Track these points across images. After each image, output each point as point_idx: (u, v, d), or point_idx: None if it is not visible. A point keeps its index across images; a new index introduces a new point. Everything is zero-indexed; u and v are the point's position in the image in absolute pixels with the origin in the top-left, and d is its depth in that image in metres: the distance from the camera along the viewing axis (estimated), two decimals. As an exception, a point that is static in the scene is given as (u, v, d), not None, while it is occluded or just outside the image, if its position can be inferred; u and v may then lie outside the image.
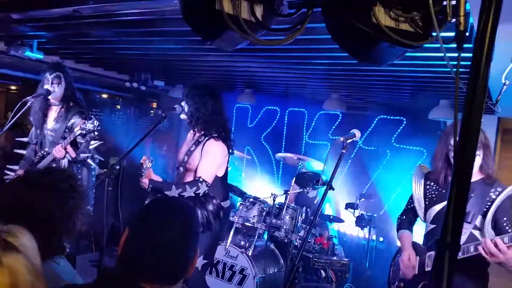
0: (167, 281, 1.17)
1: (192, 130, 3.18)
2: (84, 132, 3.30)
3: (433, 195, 2.55)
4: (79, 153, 3.42)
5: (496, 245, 2.10)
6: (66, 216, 1.46)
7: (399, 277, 2.63)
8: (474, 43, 0.99)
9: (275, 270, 4.06)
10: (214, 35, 1.11)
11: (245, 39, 0.98)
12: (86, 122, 3.30)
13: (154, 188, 2.91)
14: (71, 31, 3.50)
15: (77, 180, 1.59)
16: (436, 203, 2.51)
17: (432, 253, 2.44)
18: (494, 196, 2.33)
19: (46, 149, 3.55)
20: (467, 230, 2.31)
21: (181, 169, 3.14)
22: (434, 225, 2.52)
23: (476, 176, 2.41)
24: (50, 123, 3.60)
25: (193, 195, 2.92)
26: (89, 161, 3.51)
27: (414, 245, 2.63)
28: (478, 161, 2.37)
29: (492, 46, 0.98)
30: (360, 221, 4.82)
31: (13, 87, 7.90)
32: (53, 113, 3.61)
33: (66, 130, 3.53)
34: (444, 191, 2.49)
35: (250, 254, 3.94)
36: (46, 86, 3.48)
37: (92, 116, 3.42)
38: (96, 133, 3.37)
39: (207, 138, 3.04)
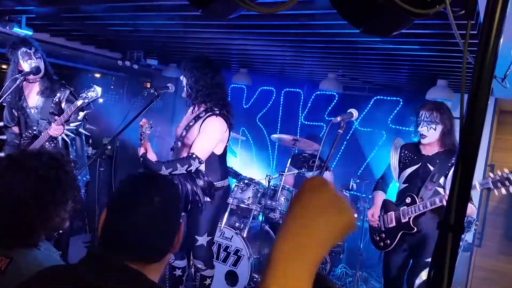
0: (149, 258, 1.14)
1: (192, 105, 3.12)
2: (87, 101, 3.13)
3: (406, 161, 3.10)
4: (69, 123, 3.29)
5: None
6: (41, 208, 1.34)
7: (379, 228, 3.16)
8: (484, 14, 0.93)
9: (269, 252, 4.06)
10: (205, 2, 1.04)
11: (239, 5, 0.91)
12: (86, 91, 3.14)
13: (144, 165, 2.86)
14: (61, 6, 3.38)
15: (68, 172, 1.44)
16: (408, 166, 3.07)
17: (405, 207, 2.99)
18: (453, 161, 2.82)
19: (35, 128, 3.42)
20: (432, 188, 2.90)
21: (179, 143, 3.10)
22: (406, 184, 3.07)
23: (437, 148, 2.99)
24: (33, 100, 3.44)
25: (185, 172, 2.88)
26: (80, 129, 3.42)
27: (387, 202, 3.16)
28: (436, 135, 2.93)
29: (503, 18, 0.92)
30: (355, 202, 4.81)
31: (4, 66, 7.74)
32: (35, 89, 3.45)
33: (53, 105, 3.41)
34: (415, 157, 3.05)
35: (245, 235, 3.92)
36: (31, 62, 3.31)
37: (92, 84, 3.23)
38: (100, 100, 3.23)
39: (208, 114, 2.97)
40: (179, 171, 2.84)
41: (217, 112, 2.98)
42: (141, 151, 2.87)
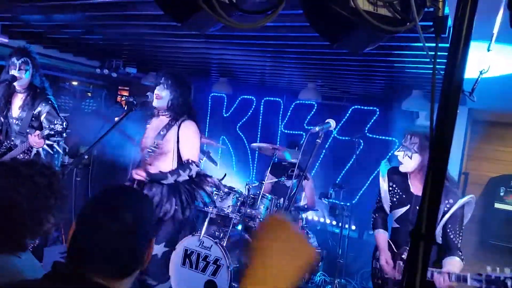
0: (120, 274, 1.10)
1: (159, 116, 3.19)
2: (53, 132, 3.18)
3: (395, 199, 2.77)
4: (49, 138, 3.29)
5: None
6: (33, 213, 1.37)
7: (381, 274, 2.77)
8: (452, 30, 0.98)
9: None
10: (185, 16, 1.05)
11: (218, 21, 0.93)
12: (55, 123, 3.19)
13: (153, 179, 2.99)
14: (38, 13, 3.34)
15: (60, 180, 1.49)
16: (398, 207, 2.74)
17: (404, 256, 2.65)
18: (445, 209, 2.50)
19: (13, 139, 3.40)
20: None
21: (151, 153, 3.10)
22: (398, 225, 2.75)
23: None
24: (15, 111, 3.43)
25: (188, 177, 3.05)
26: (55, 145, 3.40)
27: (390, 246, 2.79)
28: (412, 165, 2.61)
29: (470, 34, 0.96)
30: (333, 210, 4.86)
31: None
32: (18, 100, 3.44)
33: (33, 118, 3.38)
34: (404, 196, 2.72)
35: (224, 245, 3.91)
36: (13, 72, 3.31)
37: (62, 117, 3.29)
38: (64, 134, 3.28)
39: (181, 120, 3.11)
40: (183, 177, 3.03)
41: (188, 117, 3.16)
42: (141, 172, 2.96)
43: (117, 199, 1.14)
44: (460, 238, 2.51)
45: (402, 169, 2.69)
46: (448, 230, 2.50)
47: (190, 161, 3.06)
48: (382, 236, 2.85)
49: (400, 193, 2.75)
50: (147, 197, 1.28)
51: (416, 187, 2.70)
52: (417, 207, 2.51)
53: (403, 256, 2.68)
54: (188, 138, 3.09)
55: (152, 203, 1.29)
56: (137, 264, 1.13)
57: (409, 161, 2.62)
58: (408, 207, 2.69)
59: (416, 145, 2.60)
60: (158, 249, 3.06)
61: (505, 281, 2.17)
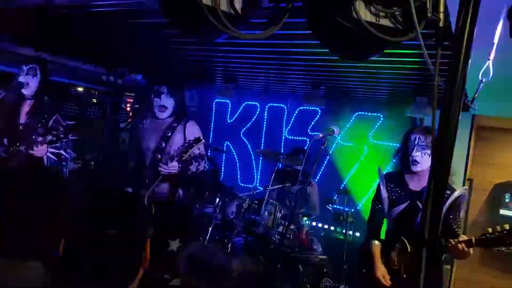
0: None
1: (154, 118, 3.30)
2: (55, 139, 3.22)
3: (394, 197, 2.80)
4: (53, 145, 3.33)
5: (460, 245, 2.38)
6: (50, 220, 1.38)
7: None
8: (453, 39, 1.00)
9: (254, 266, 4.06)
10: (192, 27, 1.08)
11: (224, 32, 0.96)
12: (59, 129, 3.23)
13: (182, 170, 3.10)
14: (45, 22, 3.39)
15: (63, 187, 1.51)
16: (396, 205, 2.76)
17: (395, 253, 2.69)
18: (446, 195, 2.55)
19: (18, 144, 3.43)
20: None
21: (158, 155, 3.19)
22: (394, 225, 2.78)
23: (426, 180, 2.51)
24: (23, 118, 3.48)
25: (203, 168, 3.27)
26: (62, 151, 3.44)
27: (382, 252, 2.80)
28: (429, 162, 2.58)
29: (470, 43, 0.99)
30: (338, 216, 4.86)
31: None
32: (26, 107, 3.49)
33: (39, 125, 3.43)
34: (403, 193, 2.76)
35: (228, 250, 3.92)
36: (20, 78, 3.38)
37: (67, 123, 3.34)
38: (66, 140, 3.33)
39: (184, 121, 3.29)
40: (201, 167, 3.23)
41: (190, 118, 3.34)
42: (174, 162, 3.05)
43: (109, 206, 1.08)
44: (460, 228, 2.61)
45: (417, 168, 2.67)
46: (451, 221, 2.57)
47: (201, 154, 3.24)
48: (377, 248, 2.83)
49: (398, 191, 2.79)
50: (139, 199, 1.24)
51: (415, 184, 2.74)
52: (416, 201, 2.60)
53: (388, 258, 2.71)
54: (196, 135, 3.25)
55: (145, 205, 1.25)
56: (134, 272, 1.07)
57: (428, 159, 2.63)
58: (406, 203, 2.72)
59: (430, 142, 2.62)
60: (173, 244, 3.19)
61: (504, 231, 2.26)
